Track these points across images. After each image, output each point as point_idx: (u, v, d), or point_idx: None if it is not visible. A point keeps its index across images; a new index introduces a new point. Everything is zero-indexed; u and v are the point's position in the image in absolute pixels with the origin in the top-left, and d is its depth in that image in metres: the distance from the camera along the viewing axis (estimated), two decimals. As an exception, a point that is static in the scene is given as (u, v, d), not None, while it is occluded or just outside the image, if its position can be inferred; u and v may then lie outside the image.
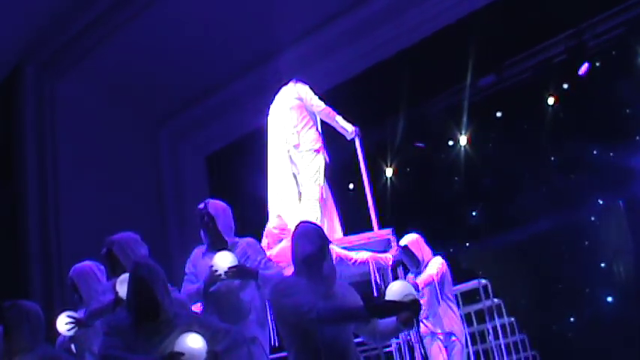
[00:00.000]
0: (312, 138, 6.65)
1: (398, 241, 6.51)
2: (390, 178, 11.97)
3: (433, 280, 6.37)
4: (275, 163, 6.71)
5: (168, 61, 10.45)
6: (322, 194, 6.54)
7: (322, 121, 6.99)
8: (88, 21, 9.89)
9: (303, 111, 6.75)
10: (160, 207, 11.61)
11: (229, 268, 4.60)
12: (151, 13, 9.85)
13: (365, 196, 6.70)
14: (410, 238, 6.65)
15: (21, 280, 9.33)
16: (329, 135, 7.04)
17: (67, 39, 10.08)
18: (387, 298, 3.79)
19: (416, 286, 5.96)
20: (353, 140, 6.84)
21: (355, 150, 6.91)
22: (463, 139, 11.53)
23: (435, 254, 6.68)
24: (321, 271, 3.81)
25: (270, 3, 9.83)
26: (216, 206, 4.96)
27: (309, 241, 3.88)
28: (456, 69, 10.52)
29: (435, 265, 6.50)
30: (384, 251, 6.32)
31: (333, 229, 6.64)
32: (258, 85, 10.52)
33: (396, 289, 3.83)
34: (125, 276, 4.28)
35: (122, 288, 4.37)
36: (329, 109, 6.74)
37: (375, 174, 10.36)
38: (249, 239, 5.00)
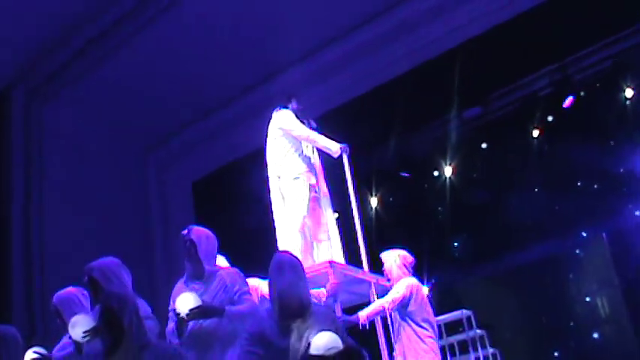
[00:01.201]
0: (292, 165, 6.60)
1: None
2: (376, 207, 11.96)
3: (383, 308, 5.96)
4: (272, 195, 6.67)
5: (157, 87, 10.67)
6: (304, 223, 6.42)
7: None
8: (76, 47, 10.06)
9: (285, 139, 6.68)
10: (147, 233, 11.76)
11: (190, 310, 4.46)
12: (138, 41, 10.05)
13: (352, 222, 6.61)
14: (385, 254, 6.43)
15: (3, 305, 9.28)
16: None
17: (55, 64, 10.19)
18: (311, 352, 3.69)
19: (355, 321, 5.79)
20: (341, 158, 6.74)
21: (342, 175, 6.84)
22: (448, 170, 11.54)
23: (415, 276, 6.35)
24: (291, 305, 3.83)
25: (257, 32, 9.95)
26: (199, 233, 4.87)
27: (281, 273, 3.90)
28: (443, 100, 10.60)
29: (396, 289, 6.07)
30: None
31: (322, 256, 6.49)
32: (246, 110, 10.78)
33: (319, 344, 3.70)
34: (75, 318, 4.37)
35: (74, 331, 4.41)
36: (309, 134, 6.62)
37: (361, 202, 10.32)
38: (230, 269, 4.91)
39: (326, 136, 6.74)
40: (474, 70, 9.93)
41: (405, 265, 6.27)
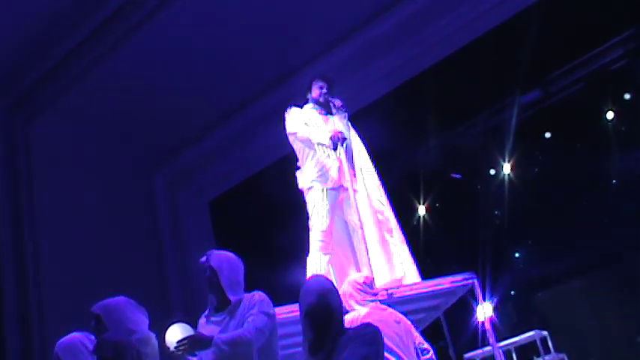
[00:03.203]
0: (306, 173, 6.67)
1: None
2: (423, 216, 11.94)
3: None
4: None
5: (161, 97, 10.48)
6: (325, 242, 6.43)
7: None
8: (61, 55, 9.87)
9: (297, 144, 6.81)
10: (160, 263, 11.52)
11: (178, 342, 4.45)
12: (139, 40, 9.81)
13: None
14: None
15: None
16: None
17: (38, 76, 10.03)
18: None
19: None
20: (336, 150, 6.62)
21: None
22: (506, 167, 11.45)
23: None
24: (323, 333, 3.87)
25: (269, 33, 9.95)
26: (220, 258, 4.87)
27: (307, 299, 3.95)
28: (495, 86, 10.51)
29: None
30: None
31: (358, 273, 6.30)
32: (263, 118, 10.64)
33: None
34: None
35: None
36: (302, 133, 6.67)
37: (406, 213, 10.28)
38: (256, 293, 4.83)
39: (360, 138, 6.78)
40: (528, 46, 9.84)
41: (359, 291, 5.71)
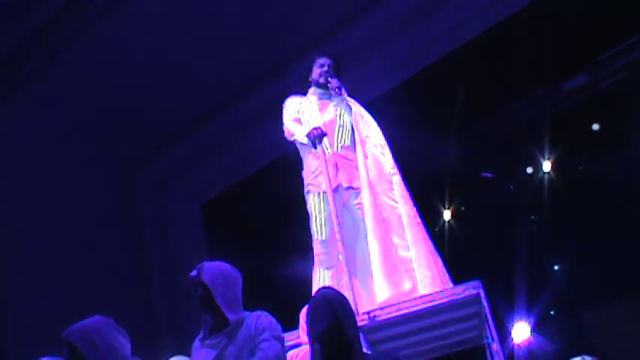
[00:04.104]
0: (304, 174, 6.70)
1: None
2: (448, 221, 11.64)
3: None
4: None
5: (142, 86, 10.35)
6: (322, 251, 6.42)
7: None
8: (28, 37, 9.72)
9: (296, 143, 6.82)
10: (143, 278, 11.48)
11: None
12: (120, 18, 9.64)
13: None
14: None
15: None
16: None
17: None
18: None
19: None
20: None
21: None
22: (546, 165, 11.03)
23: None
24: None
25: (264, 21, 9.89)
26: (214, 271, 4.71)
27: (317, 316, 3.98)
28: (533, 69, 10.10)
29: None
30: None
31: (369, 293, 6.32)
32: (263, 108, 10.33)
33: None
34: None
35: None
36: (290, 129, 6.70)
37: (430, 218, 9.62)
38: (261, 314, 4.74)
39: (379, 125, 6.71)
40: (573, 22, 9.53)
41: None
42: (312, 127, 6.48)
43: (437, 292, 5.84)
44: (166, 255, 11.72)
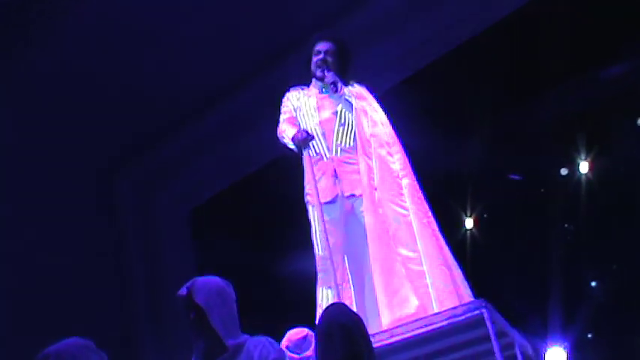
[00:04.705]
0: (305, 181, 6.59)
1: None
2: (471, 230, 11.34)
3: None
4: None
5: (123, 74, 10.09)
6: (322, 268, 6.23)
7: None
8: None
9: None
10: (125, 293, 11.24)
11: None
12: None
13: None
14: None
15: None
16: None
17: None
18: None
19: None
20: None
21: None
22: (583, 166, 10.71)
23: None
24: None
25: (259, 9, 9.82)
26: (208, 290, 4.58)
27: (328, 340, 3.85)
28: (567, 56, 9.73)
29: None
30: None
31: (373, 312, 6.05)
32: (259, 102, 10.17)
33: None
34: None
35: None
36: (278, 130, 6.60)
37: (450, 226, 9.10)
38: (265, 340, 4.58)
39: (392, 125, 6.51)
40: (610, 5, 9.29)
41: (287, 348, 5.62)
42: (302, 128, 6.41)
43: (435, 314, 5.52)
44: (150, 265, 11.51)
